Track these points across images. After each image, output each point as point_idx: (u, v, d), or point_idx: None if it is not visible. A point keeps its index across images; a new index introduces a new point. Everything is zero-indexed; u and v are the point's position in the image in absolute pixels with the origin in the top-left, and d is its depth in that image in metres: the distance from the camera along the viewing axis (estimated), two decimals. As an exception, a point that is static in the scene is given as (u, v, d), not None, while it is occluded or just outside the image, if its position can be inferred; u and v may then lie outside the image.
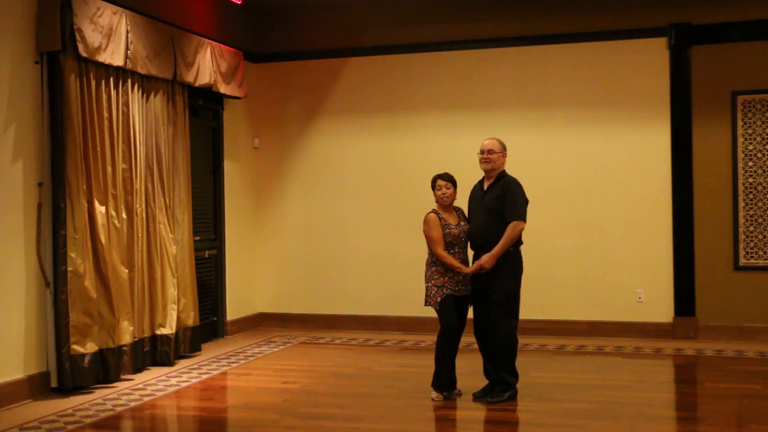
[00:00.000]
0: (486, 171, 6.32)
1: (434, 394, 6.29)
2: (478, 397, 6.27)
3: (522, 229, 6.15)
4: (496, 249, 6.10)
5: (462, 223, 6.34)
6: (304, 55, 9.66)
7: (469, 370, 6.68)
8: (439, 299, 6.20)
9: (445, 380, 6.30)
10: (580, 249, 8.86)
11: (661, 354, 7.98)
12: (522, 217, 6.17)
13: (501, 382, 6.22)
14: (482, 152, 6.30)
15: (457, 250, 6.27)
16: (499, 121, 9.03)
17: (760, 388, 6.57)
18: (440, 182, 6.33)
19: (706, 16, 8.57)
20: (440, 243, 6.21)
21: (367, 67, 9.49)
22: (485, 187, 6.33)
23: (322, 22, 9.55)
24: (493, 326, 6.18)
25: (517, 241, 6.23)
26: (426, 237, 6.29)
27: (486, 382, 6.34)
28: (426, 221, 6.30)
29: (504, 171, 6.35)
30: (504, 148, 6.35)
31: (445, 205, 6.32)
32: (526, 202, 6.29)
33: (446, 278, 6.22)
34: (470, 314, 6.38)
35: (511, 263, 6.20)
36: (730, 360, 7.66)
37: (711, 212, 8.55)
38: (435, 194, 6.35)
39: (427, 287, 6.30)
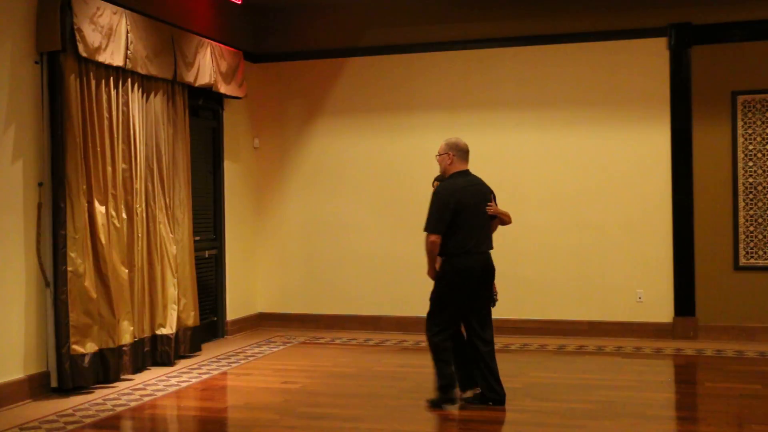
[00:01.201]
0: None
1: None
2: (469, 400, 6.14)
3: (431, 241, 5.86)
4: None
5: None
6: (304, 55, 9.66)
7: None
8: None
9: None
10: (580, 249, 8.86)
11: (661, 354, 7.98)
12: (429, 229, 5.87)
13: None
14: None
15: None
16: (498, 121, 9.03)
17: (760, 388, 6.57)
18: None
19: (706, 16, 8.57)
20: None
21: (367, 67, 9.49)
22: None
23: (322, 22, 9.55)
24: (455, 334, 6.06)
25: (456, 250, 5.88)
26: None
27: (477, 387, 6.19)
28: None
29: (453, 173, 6.05)
30: (449, 148, 6.10)
31: None
32: (443, 210, 5.86)
33: None
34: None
35: (441, 269, 5.96)
36: (730, 360, 7.66)
37: (711, 212, 8.55)
38: None
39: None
